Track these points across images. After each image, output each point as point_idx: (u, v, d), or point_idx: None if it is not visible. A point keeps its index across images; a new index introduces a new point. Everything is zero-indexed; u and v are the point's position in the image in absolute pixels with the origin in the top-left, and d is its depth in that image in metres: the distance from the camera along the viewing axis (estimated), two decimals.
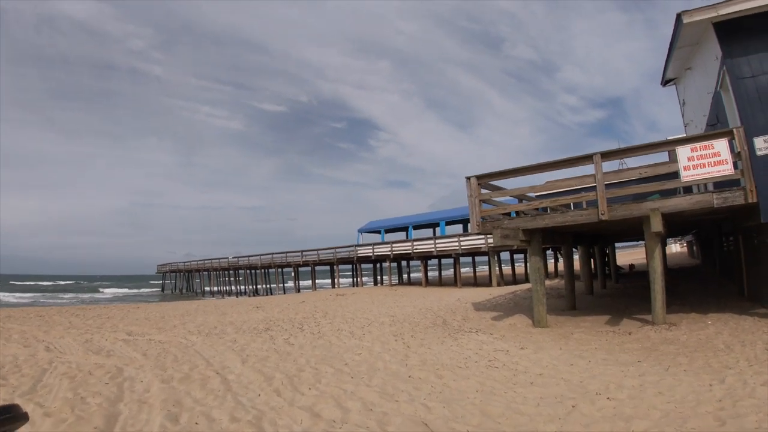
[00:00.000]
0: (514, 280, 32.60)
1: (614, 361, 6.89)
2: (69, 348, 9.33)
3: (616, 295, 16.15)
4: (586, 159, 10.11)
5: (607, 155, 9.90)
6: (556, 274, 32.37)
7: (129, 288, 70.23)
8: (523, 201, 14.03)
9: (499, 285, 27.25)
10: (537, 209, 13.36)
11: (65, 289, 69.70)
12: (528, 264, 11.82)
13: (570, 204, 12.55)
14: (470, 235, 29.94)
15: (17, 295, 57.82)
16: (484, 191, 11.82)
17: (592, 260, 20.40)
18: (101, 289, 68.82)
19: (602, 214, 9.70)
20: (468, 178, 11.61)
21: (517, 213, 13.11)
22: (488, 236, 27.06)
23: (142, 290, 65.50)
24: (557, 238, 13.58)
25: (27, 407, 5.14)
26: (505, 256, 35.52)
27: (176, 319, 14.88)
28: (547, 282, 22.56)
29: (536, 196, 13.34)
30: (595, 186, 9.81)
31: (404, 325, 11.39)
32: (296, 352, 8.22)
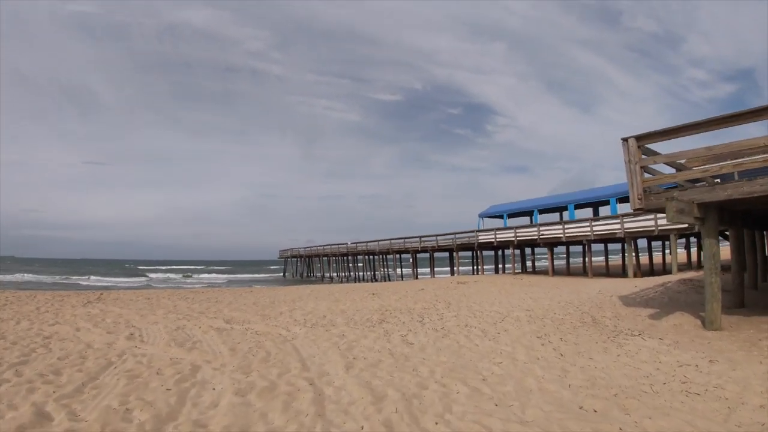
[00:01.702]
0: (652, 270, 28.78)
1: None
2: (154, 337, 8.30)
3: None
4: None
5: None
6: (699, 264, 28.01)
7: (251, 273, 72.23)
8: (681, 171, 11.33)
9: (635, 276, 23.90)
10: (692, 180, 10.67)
11: (187, 272, 73.18)
12: (702, 249, 9.18)
13: (734, 173, 9.87)
14: (602, 219, 26.81)
15: (133, 280, 61.42)
16: (644, 157, 9.46)
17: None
18: (221, 273, 71.38)
19: None
20: (624, 140, 9.37)
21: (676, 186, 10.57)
22: (626, 219, 24.05)
23: (264, 275, 67.06)
24: (726, 217, 10.78)
25: (57, 415, 4.09)
26: (641, 243, 31.70)
27: (285, 305, 13.68)
28: (690, 273, 19.42)
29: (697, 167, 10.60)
30: None
31: (546, 323, 9.27)
32: (416, 356, 6.41)
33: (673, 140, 9.32)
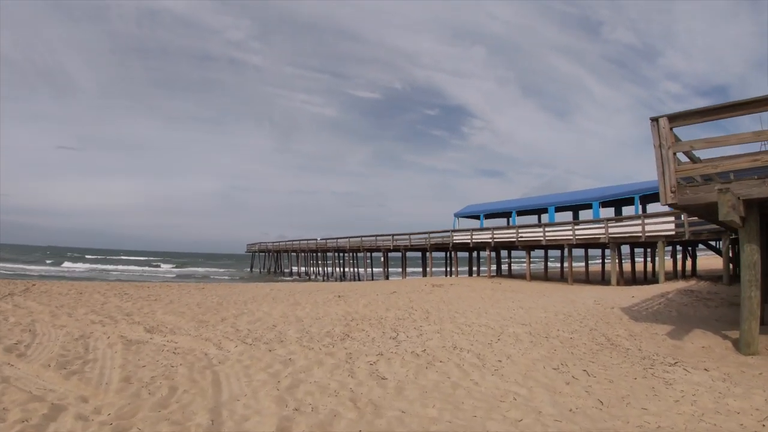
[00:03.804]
0: (634, 278, 27.18)
1: None
2: (43, 348, 6.46)
3: None
4: None
5: None
6: (683, 273, 26.54)
7: (216, 267, 69.76)
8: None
9: (618, 284, 22.25)
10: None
11: (149, 263, 70.94)
12: (741, 255, 7.31)
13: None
14: (586, 222, 25.20)
15: (86, 266, 59.41)
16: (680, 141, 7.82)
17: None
18: (192, 266, 69.08)
19: None
20: (654, 120, 7.65)
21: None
22: (611, 224, 22.44)
23: (229, 270, 64.39)
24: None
25: None
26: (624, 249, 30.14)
27: (233, 307, 11.57)
28: (680, 283, 17.89)
29: None
30: None
31: (554, 344, 7.34)
32: (391, 406, 4.32)
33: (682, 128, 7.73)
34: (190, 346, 6.81)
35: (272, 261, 58.18)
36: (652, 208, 26.07)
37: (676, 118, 7.59)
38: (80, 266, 58.98)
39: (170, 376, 5.15)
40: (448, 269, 34.81)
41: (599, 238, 23.42)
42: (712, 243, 21.84)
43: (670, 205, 7.78)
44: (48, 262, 62.96)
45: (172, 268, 64.25)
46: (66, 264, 61.40)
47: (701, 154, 9.06)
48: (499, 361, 6.10)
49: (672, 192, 7.50)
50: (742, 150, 8.64)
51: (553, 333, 8.28)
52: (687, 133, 7.99)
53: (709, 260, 31.68)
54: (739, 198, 7.01)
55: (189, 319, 9.39)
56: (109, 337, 7.21)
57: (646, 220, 20.71)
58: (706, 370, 5.90)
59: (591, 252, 32.13)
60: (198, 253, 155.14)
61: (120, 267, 61.15)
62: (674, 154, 7.56)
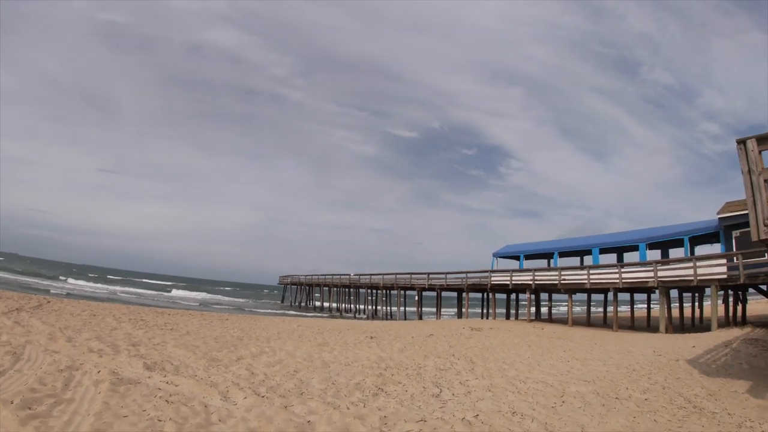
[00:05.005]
0: (682, 325, 25.11)
1: None
2: (15, 380, 5.55)
3: None
4: None
5: None
6: (734, 319, 24.24)
7: (247, 297, 69.43)
8: None
9: (667, 331, 20.44)
10: None
11: (172, 288, 70.65)
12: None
13: None
14: (633, 265, 23.68)
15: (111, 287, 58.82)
16: None
17: None
18: (221, 295, 68.79)
19: None
20: (741, 143, 6.59)
21: None
22: (660, 267, 20.86)
23: (260, 301, 64.01)
24: None
25: None
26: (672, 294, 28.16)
27: (254, 344, 10.51)
28: (734, 330, 16.25)
29: None
30: None
31: (629, 408, 6.06)
32: None
33: None
34: (191, 392, 5.70)
35: (304, 294, 57.35)
36: (700, 250, 24.71)
37: (766, 140, 6.45)
38: (99, 286, 58.65)
39: None
40: (485, 311, 33.28)
41: (647, 281, 21.87)
42: (763, 287, 20.29)
43: (762, 241, 6.54)
44: (62, 278, 62.46)
45: (199, 295, 63.63)
46: (71, 281, 60.48)
47: None
48: None
49: (765, 225, 6.29)
50: None
51: (623, 393, 6.97)
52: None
53: (750, 305, 29.63)
54: None
55: (200, 356, 8.34)
56: (99, 372, 6.21)
57: (698, 263, 19.35)
58: None
59: (635, 296, 30.45)
60: (230, 282, 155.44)
61: (145, 291, 60.75)
62: (765, 181, 6.39)
